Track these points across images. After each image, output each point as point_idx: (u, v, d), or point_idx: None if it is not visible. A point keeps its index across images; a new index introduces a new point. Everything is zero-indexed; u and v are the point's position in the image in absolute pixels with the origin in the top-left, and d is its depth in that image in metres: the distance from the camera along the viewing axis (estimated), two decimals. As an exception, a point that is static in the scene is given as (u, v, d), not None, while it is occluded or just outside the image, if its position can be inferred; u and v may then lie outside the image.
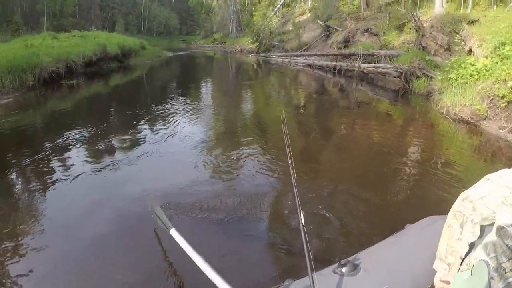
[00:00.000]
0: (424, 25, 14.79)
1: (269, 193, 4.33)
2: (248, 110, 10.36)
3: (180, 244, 2.76)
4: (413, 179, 4.99)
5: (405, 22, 17.47)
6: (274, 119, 8.09)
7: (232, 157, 5.66)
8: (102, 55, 19.12)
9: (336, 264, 1.86)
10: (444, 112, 8.15)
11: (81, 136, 6.98)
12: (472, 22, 13.82)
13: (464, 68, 9.17)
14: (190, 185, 4.54)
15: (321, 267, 1.93)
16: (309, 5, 31.15)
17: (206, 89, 15.45)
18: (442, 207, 3.62)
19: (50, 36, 20.62)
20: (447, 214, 2.19)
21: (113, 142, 6.68)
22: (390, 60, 14.50)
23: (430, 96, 9.88)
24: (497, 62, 8.30)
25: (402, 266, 1.88)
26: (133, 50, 23.98)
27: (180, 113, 9.04)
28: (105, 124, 8.03)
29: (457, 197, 1.47)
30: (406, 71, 11.52)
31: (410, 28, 16.81)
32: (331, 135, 7.63)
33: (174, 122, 8.05)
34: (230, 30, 41.25)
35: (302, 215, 1.99)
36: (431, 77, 11.01)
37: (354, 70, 14.66)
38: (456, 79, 9.08)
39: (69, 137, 6.87)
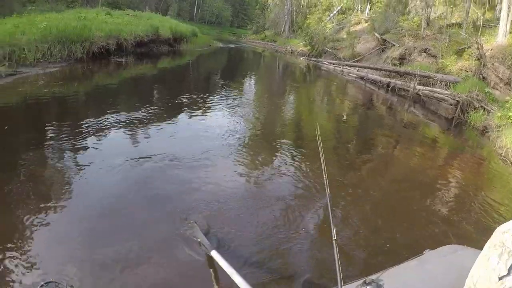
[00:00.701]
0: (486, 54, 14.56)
1: (302, 207, 4.52)
2: (288, 116, 10.40)
3: (222, 266, 2.80)
4: (447, 211, 5.03)
5: (465, 47, 17.17)
6: (312, 129, 8.26)
7: (266, 169, 5.73)
8: (153, 37, 19.19)
9: (361, 282, 1.91)
10: (503, 154, 7.98)
11: (120, 117, 7.25)
12: (538, 58, 13.51)
13: (528, 109, 9.06)
14: (225, 200, 4.49)
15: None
16: (366, 15, 30.90)
17: (250, 87, 15.67)
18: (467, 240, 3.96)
19: (104, 12, 20.84)
20: (466, 245, 2.36)
21: (149, 129, 6.86)
22: (445, 85, 14.35)
23: (486, 132, 9.75)
24: None
25: None
26: (184, 36, 23.96)
27: (220, 108, 9.30)
28: (146, 108, 8.23)
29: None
30: (463, 101, 11.37)
31: (470, 55, 16.48)
32: (370, 153, 7.65)
33: (213, 117, 8.30)
34: (282, 29, 41.38)
35: (334, 230, 2.11)
36: (488, 111, 10.87)
37: (408, 91, 14.49)
38: (517, 119, 8.98)
39: (108, 116, 7.17)
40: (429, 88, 13.82)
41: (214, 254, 2.99)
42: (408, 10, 23.23)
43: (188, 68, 18.44)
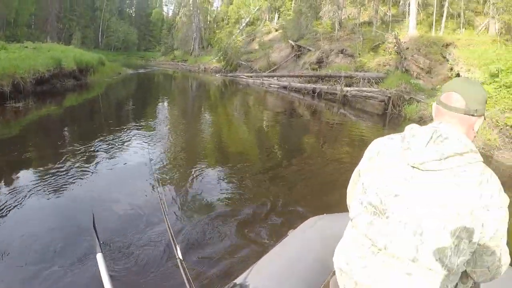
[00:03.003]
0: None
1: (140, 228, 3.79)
2: (206, 137, 9.07)
3: (100, 271, 2.48)
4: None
5: (379, 43, 17.51)
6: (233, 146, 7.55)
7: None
8: (56, 71, 16.91)
9: None
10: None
11: (26, 178, 5.38)
12: (447, 45, 13.93)
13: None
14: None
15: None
16: (276, 24, 31.03)
17: (165, 113, 13.86)
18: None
19: (-2, 46, 18.44)
20: (325, 214, 2.38)
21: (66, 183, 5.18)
22: (368, 82, 14.30)
23: (423, 122, 9.55)
24: (500, 90, 8.08)
25: (293, 276, 1.81)
26: (91, 66, 21.98)
27: (136, 143, 7.85)
28: (53, 165, 6.07)
29: None
30: (394, 95, 11.18)
31: (384, 50, 16.82)
32: (291, 161, 6.55)
33: (130, 155, 6.95)
34: (192, 47, 40.28)
35: (178, 248, 1.97)
36: (418, 101, 10.80)
37: (336, 94, 14.10)
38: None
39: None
40: (357, 88, 13.56)
41: (99, 257, 2.63)
42: (321, 16, 23.41)
43: (98, 102, 16.09)
